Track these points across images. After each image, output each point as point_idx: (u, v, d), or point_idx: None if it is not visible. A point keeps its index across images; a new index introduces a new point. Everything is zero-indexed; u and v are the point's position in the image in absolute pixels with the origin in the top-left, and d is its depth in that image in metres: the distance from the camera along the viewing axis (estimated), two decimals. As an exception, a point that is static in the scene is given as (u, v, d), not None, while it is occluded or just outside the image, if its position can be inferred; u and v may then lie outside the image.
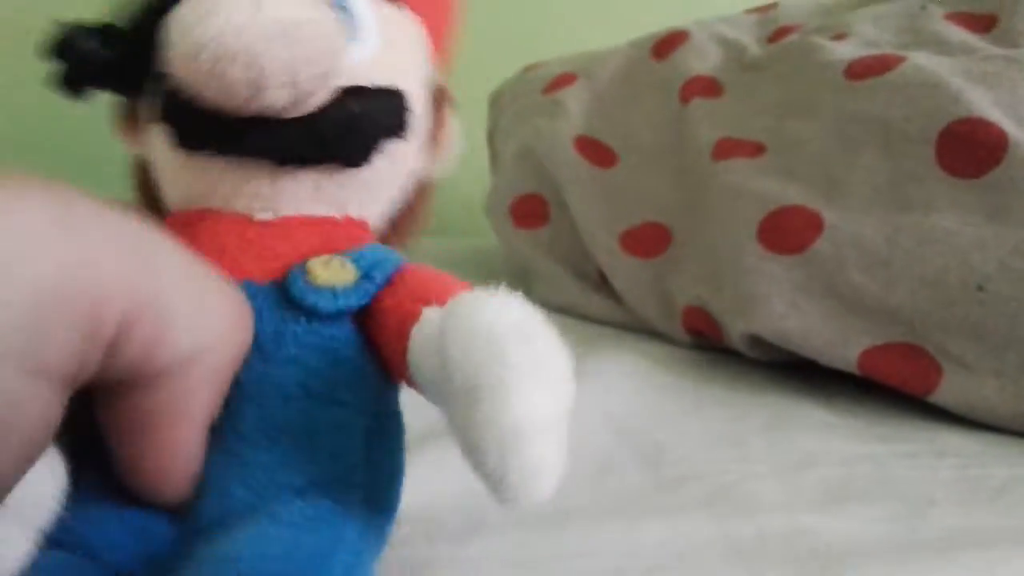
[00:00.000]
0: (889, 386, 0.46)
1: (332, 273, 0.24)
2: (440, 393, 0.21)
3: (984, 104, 0.48)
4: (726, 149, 0.58)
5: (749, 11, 0.77)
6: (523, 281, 0.71)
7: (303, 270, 0.24)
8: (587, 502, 0.34)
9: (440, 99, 0.31)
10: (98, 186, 0.21)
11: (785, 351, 0.50)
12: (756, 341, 0.51)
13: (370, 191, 0.27)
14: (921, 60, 0.52)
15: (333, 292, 0.24)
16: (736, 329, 0.51)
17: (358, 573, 0.21)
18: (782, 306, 0.49)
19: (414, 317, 0.23)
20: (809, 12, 0.72)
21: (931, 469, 0.39)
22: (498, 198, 0.74)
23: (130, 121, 0.28)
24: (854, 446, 0.41)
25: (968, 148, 0.47)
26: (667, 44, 0.72)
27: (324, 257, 0.24)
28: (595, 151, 0.68)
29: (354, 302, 0.24)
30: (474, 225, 0.91)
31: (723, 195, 0.56)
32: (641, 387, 0.48)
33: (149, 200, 0.28)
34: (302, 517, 0.22)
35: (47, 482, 0.21)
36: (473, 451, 0.19)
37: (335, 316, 0.24)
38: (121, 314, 0.19)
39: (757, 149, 0.57)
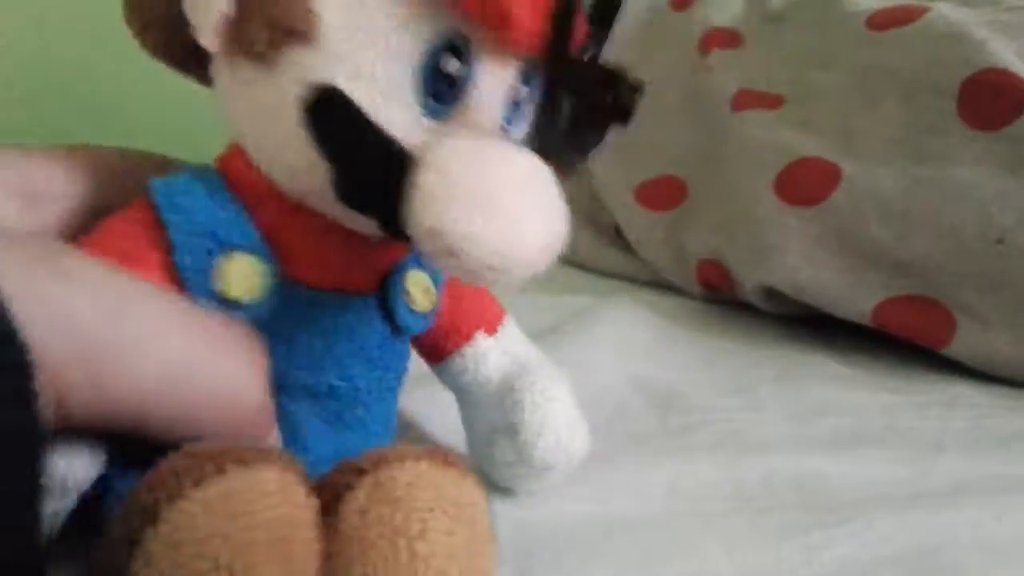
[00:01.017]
0: (903, 339, 0.46)
1: (426, 300, 0.26)
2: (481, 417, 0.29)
3: (1008, 55, 0.47)
4: (745, 100, 0.58)
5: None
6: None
7: (403, 292, 0.26)
8: (599, 447, 0.34)
9: None
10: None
11: (799, 304, 0.50)
12: (770, 293, 0.51)
13: None
14: (945, 10, 0.51)
15: (424, 316, 0.26)
16: (750, 281, 0.51)
17: None
18: (797, 258, 0.49)
19: (466, 336, 0.28)
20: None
21: (941, 419, 0.39)
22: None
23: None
24: (865, 396, 0.41)
25: (990, 99, 0.47)
26: (687, -5, 0.71)
27: (417, 279, 0.26)
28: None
29: (432, 319, 0.27)
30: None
31: (741, 146, 0.55)
32: (654, 338, 0.48)
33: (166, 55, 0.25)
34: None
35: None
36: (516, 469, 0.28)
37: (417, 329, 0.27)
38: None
39: (776, 101, 0.56)
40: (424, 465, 0.20)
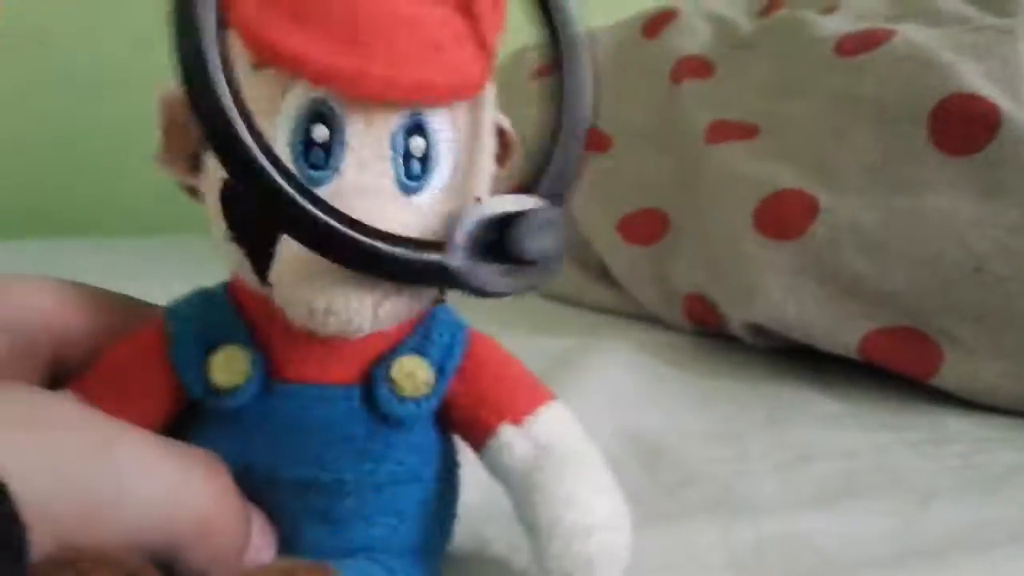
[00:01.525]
0: (890, 371, 0.46)
1: (415, 385, 0.25)
2: (518, 511, 0.26)
3: (975, 78, 0.47)
4: (719, 132, 0.58)
5: (740, -18, 0.76)
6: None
7: (387, 379, 0.25)
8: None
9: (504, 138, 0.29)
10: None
11: (786, 338, 0.50)
12: (757, 329, 0.51)
13: None
14: (911, 34, 0.51)
15: (416, 403, 0.25)
16: (736, 317, 0.51)
17: None
18: (780, 293, 0.49)
19: (490, 429, 0.26)
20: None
21: (934, 458, 0.39)
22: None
23: (184, 156, 0.26)
24: (856, 436, 0.41)
25: (961, 124, 0.47)
26: (657, 22, 0.72)
27: (405, 365, 0.25)
28: (590, 136, 0.68)
29: (433, 404, 0.26)
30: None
31: (718, 180, 0.55)
32: (642, 380, 0.48)
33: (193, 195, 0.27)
34: (392, 567, 0.25)
35: None
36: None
37: (418, 420, 0.26)
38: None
39: (750, 131, 0.57)
40: None
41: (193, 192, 0.26)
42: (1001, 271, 0.43)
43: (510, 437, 0.26)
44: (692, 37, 0.68)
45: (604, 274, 0.65)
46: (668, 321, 0.59)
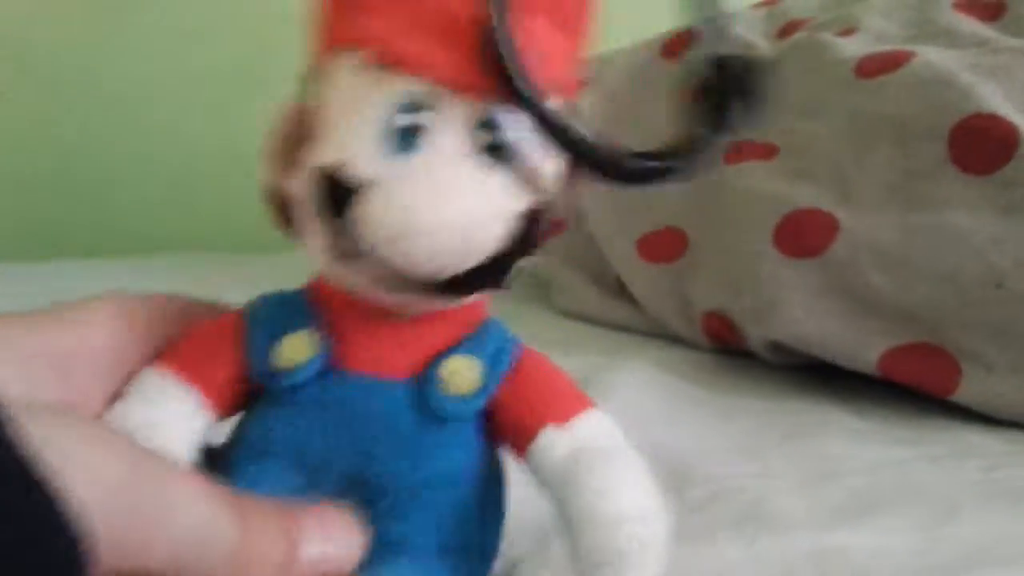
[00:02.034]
0: (910, 387, 0.47)
1: (462, 383, 0.26)
2: (556, 510, 0.26)
3: (995, 99, 0.48)
4: (738, 151, 0.58)
5: (756, 5, 0.77)
6: (542, 291, 0.72)
7: (437, 374, 0.26)
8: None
9: None
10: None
11: (806, 355, 0.50)
12: (777, 346, 0.51)
13: None
14: (930, 55, 0.52)
15: (464, 401, 0.26)
16: (756, 335, 0.52)
17: None
18: (800, 311, 0.49)
19: (532, 433, 0.26)
20: (817, 4, 0.72)
21: (956, 472, 0.39)
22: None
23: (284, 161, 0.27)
24: (878, 451, 0.42)
25: (980, 144, 0.47)
26: (677, 44, 0.72)
27: (454, 364, 0.27)
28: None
29: (480, 405, 0.27)
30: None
31: (737, 199, 0.56)
32: (664, 398, 0.49)
33: (285, 224, 0.28)
34: (428, 568, 0.26)
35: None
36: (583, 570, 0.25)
37: (464, 419, 0.27)
38: None
39: (769, 151, 0.57)
40: None
41: (279, 208, 0.27)
42: (1021, 288, 0.43)
43: (552, 439, 0.26)
44: (710, 58, 0.68)
45: (622, 293, 0.66)
46: (687, 339, 0.59)
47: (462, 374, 0.27)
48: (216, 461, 0.27)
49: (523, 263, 0.27)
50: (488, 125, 0.24)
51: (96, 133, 1.18)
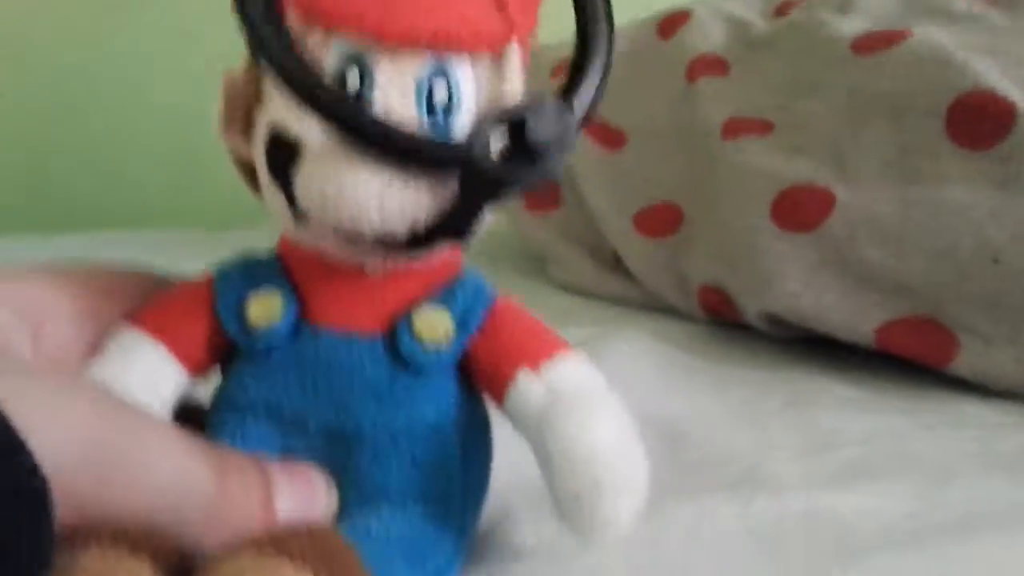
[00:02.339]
0: (907, 360, 0.47)
1: (434, 332, 0.27)
2: (534, 452, 0.26)
3: (992, 75, 0.48)
4: (735, 128, 0.58)
5: (753, -15, 0.76)
6: (538, 264, 0.72)
7: (409, 325, 0.27)
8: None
9: None
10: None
11: (803, 328, 0.51)
12: (773, 319, 0.51)
13: None
14: (927, 33, 0.52)
15: (437, 350, 0.27)
16: (752, 308, 0.52)
17: (453, 564, 0.26)
18: (797, 284, 0.49)
19: (509, 378, 0.27)
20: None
21: (951, 441, 0.40)
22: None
23: (242, 124, 0.28)
24: (873, 420, 0.42)
25: (977, 120, 0.47)
26: (671, 23, 0.72)
27: (426, 314, 0.27)
28: (604, 133, 0.68)
29: (453, 355, 0.27)
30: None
31: (734, 174, 0.56)
32: (660, 367, 0.49)
33: (257, 190, 0.29)
34: (411, 516, 0.26)
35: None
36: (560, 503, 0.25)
37: (438, 368, 0.27)
38: None
39: (766, 127, 0.57)
40: (237, 558, 0.21)
41: (249, 174, 0.28)
42: (1018, 262, 0.44)
43: (528, 384, 0.26)
44: (707, 37, 0.68)
45: (618, 267, 0.66)
46: (684, 312, 0.59)
47: (434, 324, 0.27)
48: (198, 421, 0.27)
49: (489, 218, 0.27)
50: (429, 81, 0.25)
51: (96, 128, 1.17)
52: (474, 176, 0.23)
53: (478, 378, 0.28)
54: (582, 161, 0.68)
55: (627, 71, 0.72)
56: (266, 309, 0.27)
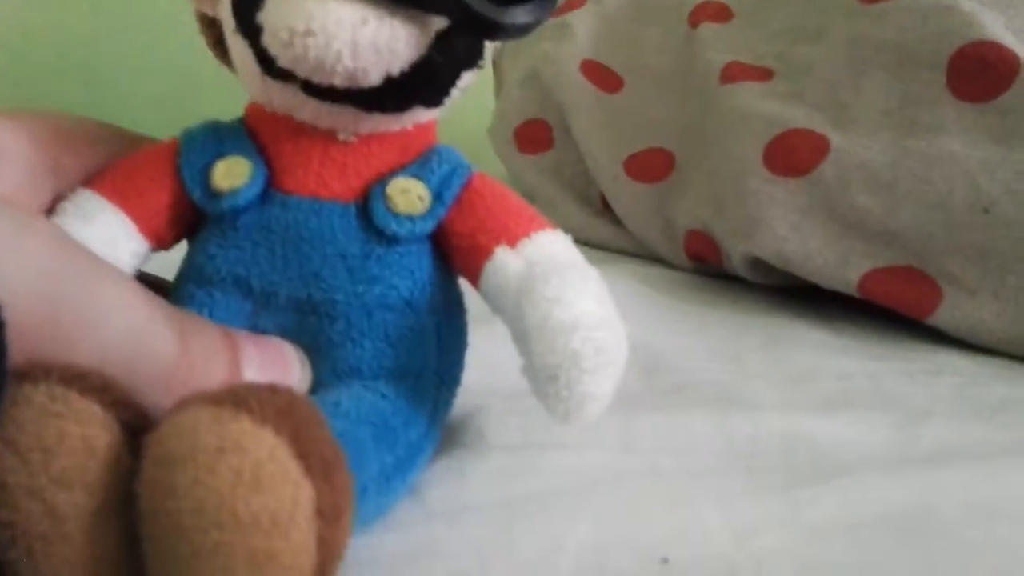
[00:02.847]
0: (888, 309, 0.46)
1: (408, 201, 0.26)
2: (511, 327, 0.25)
3: (997, 28, 0.47)
4: (734, 73, 0.57)
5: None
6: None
7: (383, 194, 0.26)
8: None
9: None
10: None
11: (785, 274, 0.50)
12: (757, 263, 0.51)
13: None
14: (935, -16, 0.51)
15: (411, 220, 0.26)
16: (737, 251, 0.51)
17: (424, 445, 0.26)
18: (784, 228, 0.49)
19: (486, 253, 0.26)
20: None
21: (928, 386, 0.39)
22: (502, 123, 0.73)
23: None
24: (851, 362, 0.41)
25: (979, 71, 0.47)
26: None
27: (400, 183, 0.26)
28: (601, 75, 0.67)
29: (428, 227, 0.26)
30: (477, 151, 0.90)
31: (730, 117, 0.55)
32: (640, 306, 0.48)
33: (224, 58, 0.28)
34: (384, 392, 0.25)
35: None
36: (538, 380, 0.24)
37: (410, 238, 0.26)
38: None
39: (766, 74, 0.56)
40: (192, 412, 0.19)
41: (216, 40, 0.27)
42: (1009, 213, 0.43)
43: (506, 257, 0.26)
44: (712, -15, 0.67)
45: (605, 212, 0.65)
46: (668, 259, 0.59)
47: (409, 194, 0.26)
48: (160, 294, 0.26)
49: (467, 80, 0.26)
50: None
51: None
52: (466, 17, 0.22)
53: (453, 254, 0.27)
54: (577, 103, 0.67)
55: (629, 15, 0.71)
56: (232, 173, 0.26)
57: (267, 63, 0.24)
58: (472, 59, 0.25)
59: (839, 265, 0.47)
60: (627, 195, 0.62)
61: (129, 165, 0.27)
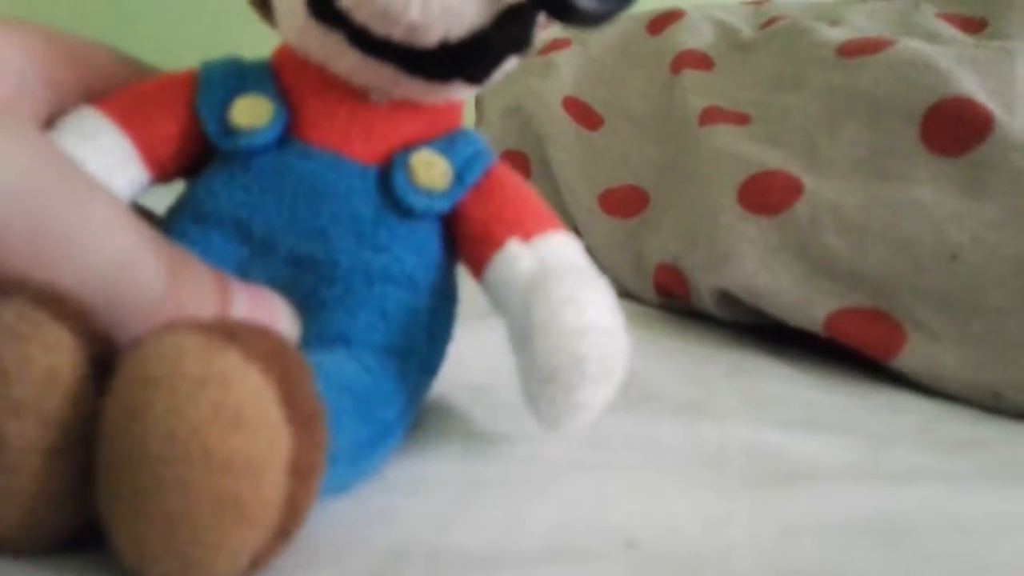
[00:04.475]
0: (852, 349, 0.47)
1: (431, 175, 0.25)
2: (511, 326, 0.25)
3: (972, 86, 0.48)
4: (713, 116, 0.58)
5: (745, 2, 0.78)
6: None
7: (405, 165, 0.25)
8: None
9: None
10: None
11: (752, 311, 0.50)
12: (724, 298, 0.51)
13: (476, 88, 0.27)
14: (913, 43, 0.53)
15: (430, 195, 0.25)
16: (707, 284, 0.51)
17: (397, 428, 0.25)
18: (755, 263, 0.49)
19: (498, 243, 0.25)
20: (802, 8, 0.73)
21: (891, 421, 0.39)
22: (479, 154, 0.73)
23: None
24: (817, 394, 0.41)
25: (953, 126, 0.48)
26: (662, 21, 0.73)
27: (424, 156, 0.25)
28: (582, 112, 0.68)
29: (446, 206, 0.26)
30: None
31: (706, 157, 0.56)
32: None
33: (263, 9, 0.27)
34: (368, 365, 0.24)
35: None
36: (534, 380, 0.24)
37: (427, 216, 0.25)
38: None
39: (743, 119, 0.57)
40: (178, 336, 0.18)
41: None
42: (976, 261, 0.44)
43: (517, 251, 0.25)
44: (695, 36, 0.69)
45: (576, 246, 0.65)
46: (637, 294, 0.59)
47: (431, 168, 0.25)
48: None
49: (509, 65, 0.26)
50: None
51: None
52: None
53: (462, 240, 0.26)
54: (557, 137, 0.67)
55: (613, 59, 0.72)
56: (253, 111, 0.24)
57: (318, 4, 0.23)
58: (522, 43, 0.25)
59: (806, 303, 0.47)
60: (600, 229, 0.62)
61: (140, 90, 0.25)
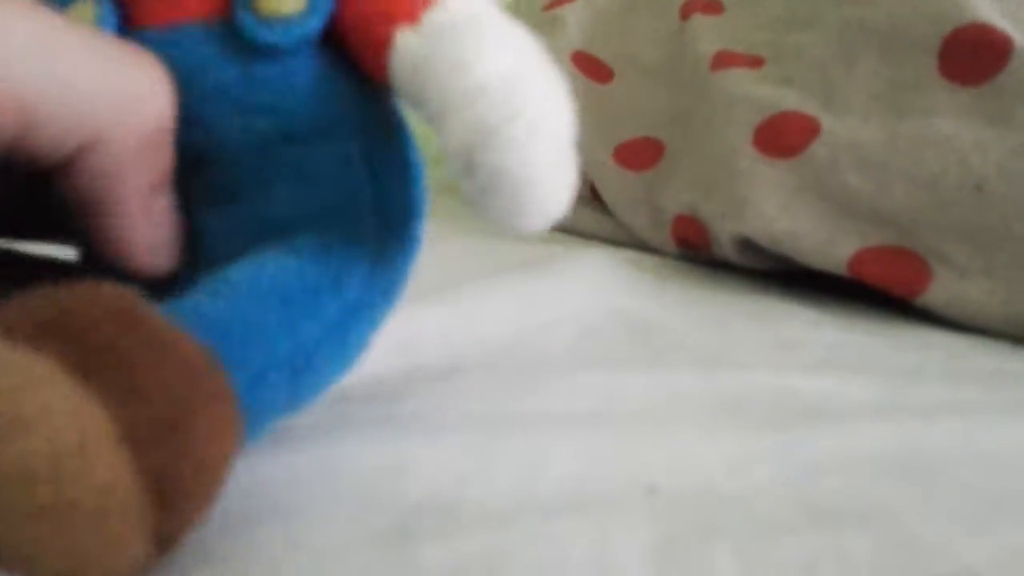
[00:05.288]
0: (877, 289, 0.46)
1: (279, 1, 0.22)
2: (423, 114, 0.21)
3: (989, 11, 0.47)
4: (724, 60, 0.57)
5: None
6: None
7: (245, 1, 0.22)
8: (565, 357, 0.34)
9: None
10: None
11: (774, 257, 0.49)
12: (745, 245, 0.50)
13: None
14: (928, -29, 0.51)
15: (285, 22, 0.21)
16: (726, 232, 0.50)
17: (362, 314, 0.22)
18: (774, 208, 0.48)
19: (385, 42, 0.21)
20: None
21: (917, 357, 0.38)
22: (490, 115, 0.73)
23: None
24: (839, 334, 0.41)
25: (972, 54, 0.46)
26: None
27: None
28: (592, 66, 0.67)
29: (313, 26, 0.22)
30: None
31: (720, 102, 0.55)
32: (631, 280, 0.48)
33: None
34: (309, 245, 0.21)
35: None
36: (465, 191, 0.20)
37: (297, 48, 0.22)
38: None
39: (757, 61, 0.56)
40: None
41: None
42: (1001, 191, 0.43)
43: (406, 42, 0.21)
44: (704, -20, 0.67)
45: (593, 201, 0.64)
46: (655, 246, 0.58)
47: None
48: None
49: None
50: None
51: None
52: None
53: (358, 56, 0.22)
54: (568, 92, 0.66)
55: (619, 10, 0.71)
56: (82, 16, 0.22)
57: None
58: None
59: (829, 244, 0.47)
60: (616, 182, 0.61)
61: None
